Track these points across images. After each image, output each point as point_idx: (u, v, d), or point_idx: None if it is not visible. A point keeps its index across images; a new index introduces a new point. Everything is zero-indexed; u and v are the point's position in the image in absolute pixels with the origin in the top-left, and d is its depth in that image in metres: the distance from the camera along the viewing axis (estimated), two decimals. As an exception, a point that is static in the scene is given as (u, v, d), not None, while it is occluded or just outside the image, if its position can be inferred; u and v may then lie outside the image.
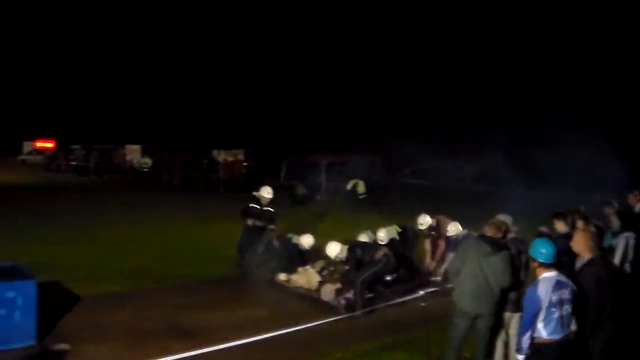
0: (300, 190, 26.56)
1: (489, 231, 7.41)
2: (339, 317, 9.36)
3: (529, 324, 6.10)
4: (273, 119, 51.05)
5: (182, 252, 15.21)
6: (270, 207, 13.36)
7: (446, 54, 47.71)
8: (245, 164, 39.66)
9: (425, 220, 12.86)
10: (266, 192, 13.39)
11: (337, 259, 11.36)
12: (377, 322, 9.80)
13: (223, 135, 42.34)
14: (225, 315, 10.03)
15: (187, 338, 8.67)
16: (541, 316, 6.05)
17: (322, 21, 57.09)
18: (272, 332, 7.82)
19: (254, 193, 13.61)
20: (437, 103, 45.11)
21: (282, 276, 12.04)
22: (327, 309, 10.31)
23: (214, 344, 7.13)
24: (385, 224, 12.96)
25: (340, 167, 29.92)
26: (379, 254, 10.71)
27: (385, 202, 26.51)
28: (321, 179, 28.80)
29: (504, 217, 8.30)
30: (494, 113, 38.17)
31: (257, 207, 13.21)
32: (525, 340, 6.13)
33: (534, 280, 6.35)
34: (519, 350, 6.25)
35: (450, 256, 11.20)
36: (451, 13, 51.72)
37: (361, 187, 27.48)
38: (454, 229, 12.02)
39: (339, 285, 10.91)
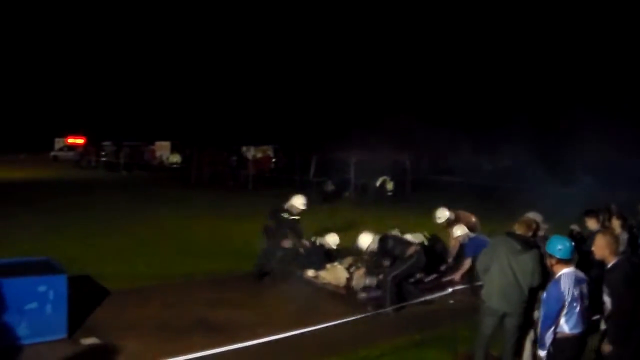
0: (329, 186, 26.56)
1: (518, 229, 7.33)
2: (366, 314, 9.33)
3: (552, 320, 6.10)
4: (303, 115, 51.07)
5: (210, 248, 15.28)
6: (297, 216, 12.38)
7: (474, 51, 47.34)
8: (274, 160, 39.73)
9: (443, 214, 12.45)
10: (300, 203, 12.33)
11: (369, 250, 11.29)
12: (405, 319, 9.75)
13: (252, 131, 42.45)
14: (253, 311, 10.04)
15: (215, 334, 8.70)
16: (564, 311, 6.06)
17: (352, 18, 56.97)
18: (299, 329, 7.83)
19: (285, 206, 12.29)
20: (464, 99, 44.85)
21: (310, 272, 12.02)
22: (355, 306, 10.28)
23: (241, 340, 7.16)
24: (413, 221, 12.91)
25: (369, 164, 29.89)
26: (411, 250, 10.50)
27: (413, 200, 26.45)
28: (350, 176, 28.77)
29: (534, 215, 8.22)
30: (523, 108, 37.85)
31: (288, 217, 12.20)
32: (549, 336, 6.12)
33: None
34: (541, 345, 6.24)
35: (468, 262, 11.11)
36: (475, 9, 51.33)
37: (389, 185, 27.44)
38: (459, 231, 11.81)
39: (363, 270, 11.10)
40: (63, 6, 77.16)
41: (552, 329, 6.11)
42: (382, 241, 10.84)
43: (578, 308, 6.09)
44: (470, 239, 11.25)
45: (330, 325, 8.19)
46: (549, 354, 6.19)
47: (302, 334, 7.66)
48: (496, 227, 11.51)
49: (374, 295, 10.64)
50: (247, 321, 9.44)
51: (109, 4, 76.01)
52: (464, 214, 12.59)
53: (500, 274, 7.11)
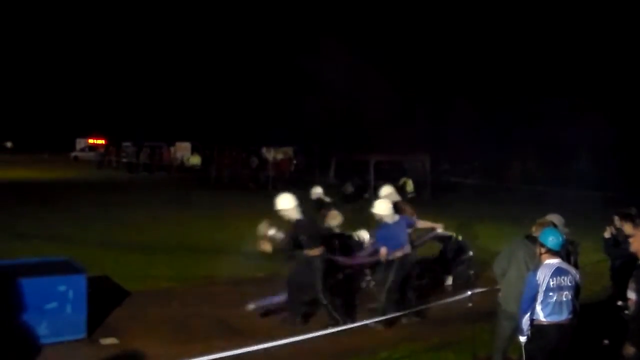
0: (349, 188, 26.51)
1: (536, 231, 7.25)
2: (386, 317, 9.30)
3: (526, 307, 6.41)
4: (323, 117, 51.04)
5: (229, 249, 15.29)
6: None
7: (504, 52, 47.01)
8: (294, 162, 39.78)
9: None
10: (335, 221, 11.86)
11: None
12: (424, 322, 9.74)
13: (273, 132, 42.50)
14: (273, 314, 9.99)
15: (233, 336, 8.72)
16: (539, 299, 6.34)
17: (366, 16, 56.79)
18: (318, 331, 7.82)
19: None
20: (482, 101, 44.61)
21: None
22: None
23: (261, 342, 7.16)
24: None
25: (389, 166, 29.86)
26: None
27: (433, 202, 26.36)
28: (369, 178, 28.72)
29: (554, 217, 8.13)
30: (541, 110, 37.59)
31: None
32: (525, 322, 6.44)
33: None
34: (520, 331, 6.55)
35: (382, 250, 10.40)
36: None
37: (410, 186, 27.33)
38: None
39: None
40: (87, 8, 77.73)
41: (528, 315, 6.41)
42: None
43: (554, 298, 6.33)
44: (382, 227, 10.00)
45: (349, 328, 8.19)
46: (527, 340, 6.50)
47: (319, 336, 7.64)
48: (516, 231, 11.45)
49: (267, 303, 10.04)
50: (266, 322, 9.45)
51: (133, 5, 76.41)
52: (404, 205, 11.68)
53: (518, 278, 7.02)
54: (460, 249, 12.53)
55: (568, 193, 22.79)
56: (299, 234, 9.12)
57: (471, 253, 12.51)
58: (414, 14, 51.86)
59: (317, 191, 13.04)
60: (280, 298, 9.98)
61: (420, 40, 50.12)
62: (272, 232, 9.15)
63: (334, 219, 12.11)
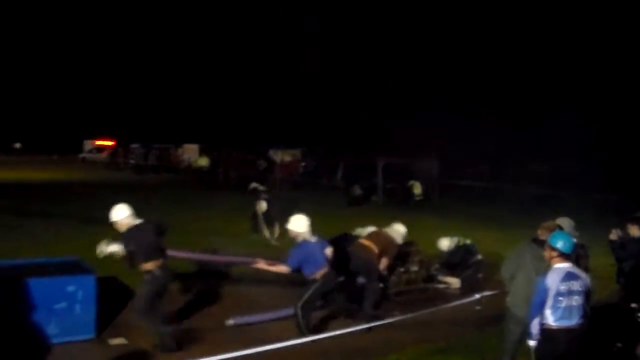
0: (356, 190, 26.49)
1: (542, 235, 7.23)
2: (394, 319, 9.30)
3: (536, 311, 6.40)
4: (332, 118, 51.03)
5: (238, 251, 15.27)
6: None
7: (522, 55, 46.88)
8: (302, 163, 39.75)
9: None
10: (261, 208, 14.79)
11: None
12: (432, 325, 9.68)
13: (281, 134, 42.52)
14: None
15: (242, 337, 8.73)
16: (549, 304, 6.31)
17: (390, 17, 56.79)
18: (323, 333, 7.83)
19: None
20: (497, 103, 44.52)
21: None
22: (381, 310, 10.26)
23: (268, 344, 7.16)
24: (434, 226, 12.83)
25: (397, 168, 29.83)
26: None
27: (440, 205, 26.36)
28: (377, 180, 28.71)
29: (564, 221, 8.11)
30: (560, 111, 37.42)
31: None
32: (535, 326, 6.44)
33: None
34: (529, 335, 6.55)
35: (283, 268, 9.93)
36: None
37: (417, 189, 27.35)
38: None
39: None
40: (98, 11, 78.06)
41: (538, 319, 6.39)
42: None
43: (564, 302, 6.29)
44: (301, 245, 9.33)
45: (356, 330, 8.20)
46: (537, 344, 6.49)
47: (326, 338, 7.65)
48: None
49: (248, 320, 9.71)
50: (275, 325, 9.45)
51: (142, 7, 76.66)
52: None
53: (527, 282, 7.01)
54: (469, 252, 12.52)
55: (584, 196, 22.66)
56: (127, 246, 8.33)
57: (480, 257, 12.50)
58: (423, 16, 51.70)
59: (254, 184, 18.09)
60: (264, 316, 9.76)
61: (427, 42, 50.04)
62: (112, 248, 8.59)
63: (260, 207, 16.74)
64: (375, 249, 10.26)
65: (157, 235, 8.52)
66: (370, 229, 11.22)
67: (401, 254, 11.26)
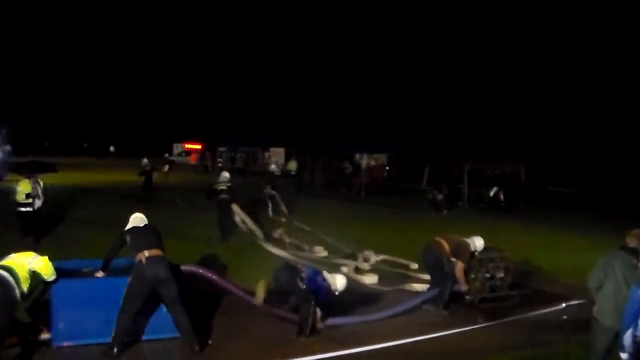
0: (438, 195, 26.20)
1: (631, 242, 6.99)
2: (476, 327, 9.21)
3: (629, 322, 6.12)
4: (418, 124, 50.76)
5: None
6: None
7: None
8: (387, 168, 39.65)
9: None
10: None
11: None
12: (516, 334, 9.52)
13: (366, 139, 42.52)
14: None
15: (322, 340, 8.79)
16: None
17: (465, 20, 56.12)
18: (407, 338, 7.82)
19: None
20: (581, 108, 43.48)
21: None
22: (465, 317, 10.16)
23: (348, 347, 7.22)
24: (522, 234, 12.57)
25: (483, 174, 29.45)
26: None
27: (525, 212, 25.85)
28: (463, 185, 28.38)
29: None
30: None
31: None
32: (627, 338, 6.14)
33: None
34: (621, 348, 6.26)
35: None
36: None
37: (502, 195, 26.88)
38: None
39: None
40: (189, 18, 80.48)
41: (631, 331, 6.12)
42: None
43: None
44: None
45: (438, 337, 8.17)
46: (630, 357, 6.20)
47: (407, 343, 7.64)
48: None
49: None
50: (354, 329, 9.42)
51: (230, 13, 78.49)
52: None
53: (616, 291, 6.80)
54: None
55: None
56: None
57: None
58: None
59: (145, 161, 24.51)
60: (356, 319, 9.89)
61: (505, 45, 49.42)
62: None
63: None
64: (446, 245, 10.54)
65: None
66: None
67: (484, 260, 11.11)
